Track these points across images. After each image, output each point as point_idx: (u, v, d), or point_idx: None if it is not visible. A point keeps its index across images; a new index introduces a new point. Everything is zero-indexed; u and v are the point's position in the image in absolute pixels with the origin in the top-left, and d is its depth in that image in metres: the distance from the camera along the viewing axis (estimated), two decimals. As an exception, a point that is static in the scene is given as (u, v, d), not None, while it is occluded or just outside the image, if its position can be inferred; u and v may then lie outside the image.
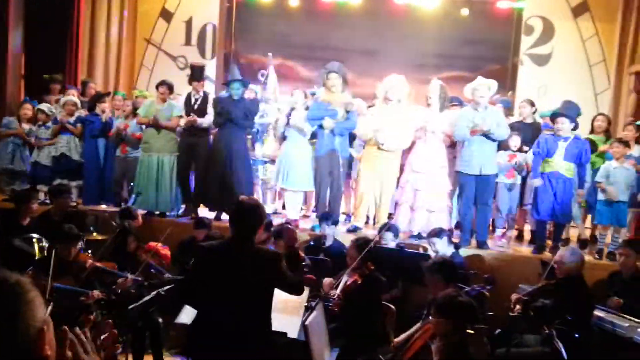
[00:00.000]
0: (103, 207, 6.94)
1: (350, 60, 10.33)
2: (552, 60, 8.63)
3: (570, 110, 5.89)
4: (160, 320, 4.54)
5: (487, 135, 5.84)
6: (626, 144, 5.96)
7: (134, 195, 6.35)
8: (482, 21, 10.34)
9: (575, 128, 5.92)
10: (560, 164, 5.77)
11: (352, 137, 6.85)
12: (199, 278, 3.19)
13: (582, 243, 6.26)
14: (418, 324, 3.89)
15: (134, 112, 7.07)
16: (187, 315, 3.63)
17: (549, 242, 6.04)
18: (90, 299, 3.73)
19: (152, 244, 5.14)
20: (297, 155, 6.57)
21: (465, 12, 10.40)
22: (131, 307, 3.71)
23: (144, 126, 6.81)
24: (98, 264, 4.34)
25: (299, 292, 3.33)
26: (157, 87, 6.81)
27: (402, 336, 3.94)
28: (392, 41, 10.73)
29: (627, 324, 4.26)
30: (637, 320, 4.32)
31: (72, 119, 7.15)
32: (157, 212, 6.71)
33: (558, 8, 8.58)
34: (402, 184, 6.20)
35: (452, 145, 6.42)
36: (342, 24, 10.83)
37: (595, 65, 8.51)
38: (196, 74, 6.91)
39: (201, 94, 6.85)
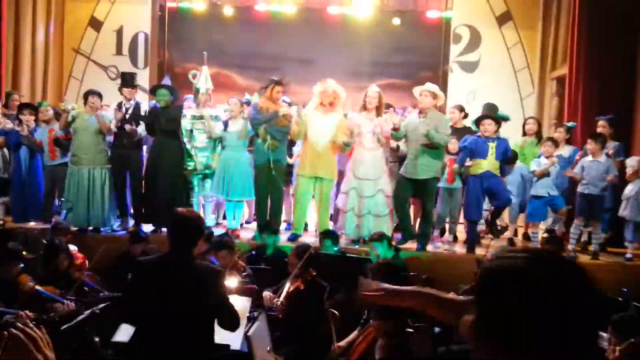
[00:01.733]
0: (32, 224, 6.61)
1: (285, 69, 10.39)
2: (480, 67, 8.99)
3: (493, 112, 6.20)
4: (96, 339, 4.35)
5: (427, 140, 6.02)
6: (555, 143, 6.29)
7: (64, 211, 6.09)
8: (413, 30, 10.68)
9: (497, 129, 6.21)
10: (492, 164, 6.04)
11: (291, 145, 6.86)
12: (137, 294, 3.09)
13: (511, 242, 6.55)
14: (358, 328, 3.93)
15: (55, 117, 6.82)
16: (124, 333, 3.51)
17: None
18: (19, 319, 3.53)
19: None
20: (236, 164, 6.50)
21: (396, 21, 10.71)
22: (64, 328, 3.54)
23: (71, 131, 6.57)
24: (38, 287, 4.10)
25: (232, 328, 3.14)
26: (85, 97, 6.55)
27: (345, 340, 3.97)
28: (327, 50, 10.88)
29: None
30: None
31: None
32: (90, 228, 6.46)
33: (483, 17, 8.96)
34: (346, 191, 6.23)
35: (395, 150, 6.56)
36: (278, 33, 10.88)
37: (520, 71, 8.94)
38: (127, 80, 6.71)
39: (132, 102, 6.66)
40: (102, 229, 6.51)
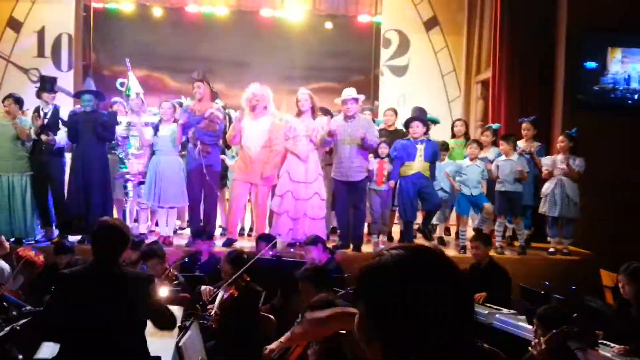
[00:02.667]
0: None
1: (219, 71, 10.29)
2: (409, 71, 9.23)
3: (422, 114, 6.40)
4: (20, 357, 4.13)
5: (358, 143, 6.11)
6: (480, 144, 6.60)
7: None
8: (345, 34, 10.84)
9: (426, 132, 6.43)
10: (421, 165, 6.24)
11: (226, 146, 6.79)
12: (61, 309, 2.96)
13: (440, 241, 6.78)
14: (288, 333, 3.93)
15: None
16: (48, 349, 3.35)
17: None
18: None
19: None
20: (168, 170, 6.35)
21: (329, 25, 10.83)
22: (-19, 347, 3.34)
23: None
24: None
25: (170, 327, 3.11)
26: (2, 102, 6.22)
27: (274, 344, 3.98)
28: (260, 53, 10.84)
29: (486, 312, 4.66)
30: (495, 307, 4.75)
31: None
32: (12, 239, 6.12)
33: (411, 22, 9.21)
34: (281, 193, 6.22)
35: (330, 152, 6.62)
36: (210, 35, 10.74)
37: (446, 75, 9.25)
38: (45, 85, 6.41)
39: (51, 107, 6.38)
40: (24, 240, 6.17)
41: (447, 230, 7.48)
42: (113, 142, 6.49)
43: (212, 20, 10.57)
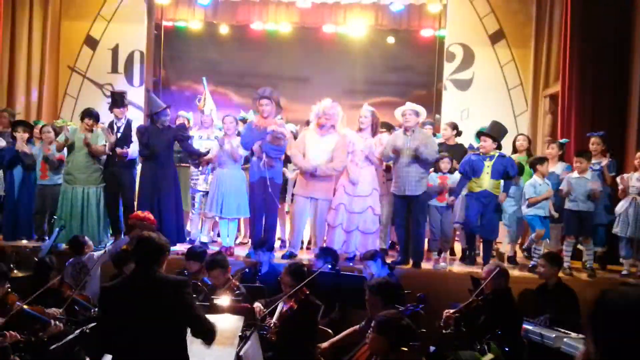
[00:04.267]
0: (24, 242, 6.56)
1: (281, 87, 10.44)
2: (473, 85, 9.05)
3: (493, 130, 6.23)
4: (87, 359, 4.30)
5: (416, 157, 6.02)
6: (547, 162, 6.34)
7: (56, 229, 6.04)
8: (407, 49, 10.80)
9: (498, 147, 6.24)
10: (488, 182, 6.06)
11: (286, 160, 6.87)
12: (107, 321, 3.10)
13: (510, 259, 6.53)
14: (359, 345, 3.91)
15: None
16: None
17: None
18: (7, 341, 3.48)
19: (136, 213, 5.65)
20: (231, 182, 6.49)
21: (391, 40, 10.83)
22: (53, 348, 3.50)
23: (65, 151, 6.58)
24: (25, 307, 4.06)
25: (208, 340, 3.05)
26: (81, 118, 6.55)
27: (330, 341, 4.01)
28: (322, 68, 10.97)
29: (554, 335, 4.45)
30: (563, 330, 4.53)
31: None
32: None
33: (476, 36, 9.05)
34: (335, 206, 6.23)
35: (388, 169, 6.57)
36: (273, 51, 10.97)
37: (513, 89, 9.00)
38: (117, 101, 6.74)
39: (123, 121, 6.68)
40: (95, 248, 6.45)
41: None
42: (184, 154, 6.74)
43: (276, 37, 10.81)
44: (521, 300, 5.13)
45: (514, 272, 5.86)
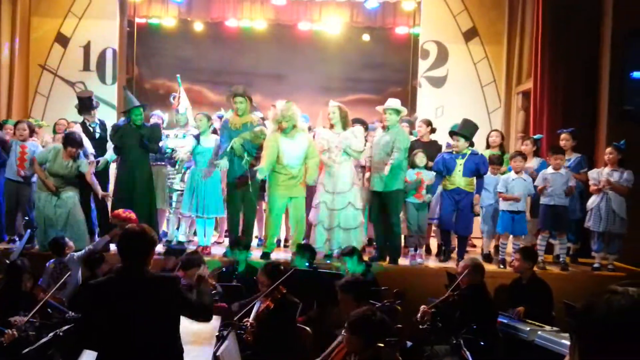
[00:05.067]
0: (-6, 243, 6.41)
1: (258, 84, 10.43)
2: (448, 82, 9.13)
3: (465, 129, 6.29)
4: (62, 363, 4.23)
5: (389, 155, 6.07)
6: (524, 157, 6.42)
7: (28, 231, 5.92)
8: (382, 46, 10.86)
9: (471, 145, 6.33)
10: (460, 180, 6.15)
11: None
12: (92, 318, 3.03)
13: (486, 256, 6.61)
14: (334, 343, 3.91)
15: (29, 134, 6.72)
16: (89, 356, 3.41)
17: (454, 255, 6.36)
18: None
19: (118, 212, 5.56)
20: (207, 181, 6.43)
21: (366, 37, 10.88)
22: (26, 352, 3.43)
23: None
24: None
25: (206, 318, 3.14)
26: (64, 145, 6.15)
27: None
28: (298, 65, 10.96)
29: (528, 328, 4.53)
30: (537, 323, 4.61)
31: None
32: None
33: (450, 33, 9.13)
34: (316, 205, 6.23)
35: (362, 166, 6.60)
36: (249, 48, 10.93)
37: (486, 86, 9.11)
38: (85, 105, 6.63)
39: (97, 121, 6.59)
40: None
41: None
42: (158, 154, 6.66)
43: (251, 34, 10.76)
44: (496, 295, 5.21)
45: (489, 267, 5.93)
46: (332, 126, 6.29)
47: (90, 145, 6.49)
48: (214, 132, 6.78)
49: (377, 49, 10.95)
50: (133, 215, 5.57)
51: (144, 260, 2.99)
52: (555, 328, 4.57)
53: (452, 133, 6.36)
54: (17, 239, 6.28)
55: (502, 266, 6.24)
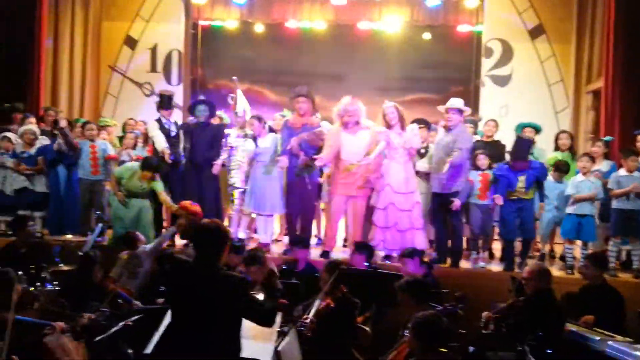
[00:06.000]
0: (69, 236, 6.75)
1: (316, 85, 10.46)
2: (512, 81, 8.88)
3: (519, 152, 6.03)
4: (129, 351, 4.39)
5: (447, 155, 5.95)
6: (592, 158, 6.16)
7: (99, 225, 6.19)
8: (443, 45, 10.67)
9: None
10: (522, 193, 6.00)
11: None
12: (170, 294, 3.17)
13: (541, 257, 6.39)
14: (397, 343, 3.88)
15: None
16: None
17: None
18: (55, 332, 3.58)
19: (184, 203, 5.69)
20: (267, 179, 6.52)
21: (427, 36, 10.72)
22: (97, 340, 3.58)
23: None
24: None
25: (269, 324, 3.18)
26: (141, 168, 6.36)
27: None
28: (357, 65, 10.94)
29: (598, 338, 4.33)
30: (607, 333, 4.40)
31: (32, 150, 6.98)
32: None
33: (515, 31, 8.87)
34: (384, 206, 6.11)
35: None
36: (308, 49, 11.00)
37: (553, 85, 8.80)
38: (165, 102, 6.86)
39: (172, 121, 6.84)
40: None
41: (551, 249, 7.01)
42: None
43: (311, 34, 10.83)
44: (564, 302, 5.01)
45: (556, 273, 5.72)
46: (389, 127, 6.18)
47: (164, 140, 6.66)
48: (271, 130, 6.86)
49: (437, 48, 10.77)
50: (199, 208, 5.70)
51: (217, 255, 3.06)
52: (628, 339, 4.34)
53: (510, 161, 6.12)
54: (90, 232, 6.58)
55: (569, 272, 5.99)
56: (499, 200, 5.96)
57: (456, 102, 6.08)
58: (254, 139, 6.65)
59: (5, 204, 6.87)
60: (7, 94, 8.13)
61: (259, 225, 6.73)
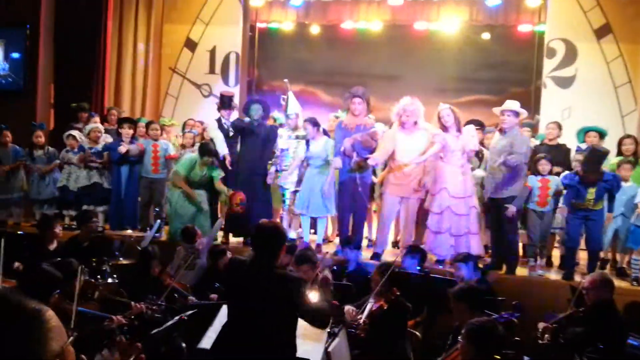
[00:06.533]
0: (129, 232, 7.01)
1: (371, 86, 10.38)
2: (576, 83, 8.54)
3: (592, 164, 5.76)
4: (183, 345, 4.51)
5: (504, 161, 5.76)
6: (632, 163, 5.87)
7: (158, 221, 6.40)
8: (503, 45, 10.38)
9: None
10: (591, 205, 5.74)
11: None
12: (229, 289, 3.23)
13: (603, 264, 6.11)
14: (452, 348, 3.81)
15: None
16: (209, 340, 3.60)
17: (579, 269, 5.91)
18: (114, 324, 3.72)
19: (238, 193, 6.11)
20: (318, 182, 6.52)
21: (486, 36, 10.46)
22: (154, 333, 3.70)
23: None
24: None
25: (323, 325, 3.22)
26: (200, 154, 6.56)
27: None
28: (413, 66, 10.80)
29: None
30: (672, 348, 4.16)
31: (98, 147, 7.29)
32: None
33: (580, 30, 8.53)
34: (439, 210, 5.99)
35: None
36: (363, 50, 10.95)
37: (620, 87, 8.40)
38: (226, 102, 7.02)
39: (229, 122, 6.97)
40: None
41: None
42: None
43: (367, 35, 10.78)
44: (627, 314, 4.77)
45: (620, 284, 5.45)
46: (444, 129, 6.07)
47: (224, 142, 6.79)
48: (324, 132, 6.86)
49: (497, 48, 10.50)
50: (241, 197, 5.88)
51: (274, 255, 3.12)
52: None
53: (580, 171, 5.87)
54: (148, 228, 6.81)
55: (635, 284, 5.70)
56: (563, 211, 5.76)
57: (512, 105, 5.90)
58: (307, 141, 6.68)
59: (69, 199, 7.20)
60: (73, 94, 8.53)
61: (304, 225, 6.73)
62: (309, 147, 6.63)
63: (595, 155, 5.84)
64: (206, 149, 6.52)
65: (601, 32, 8.46)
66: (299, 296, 3.07)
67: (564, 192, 6.00)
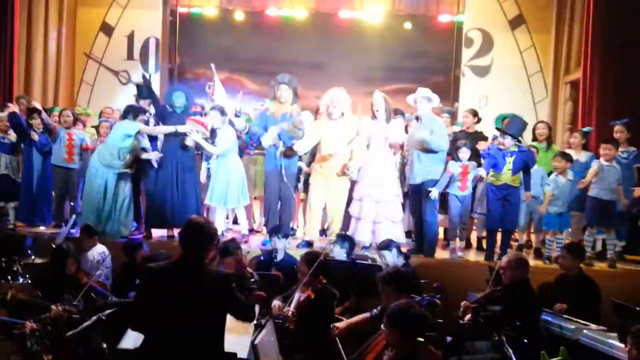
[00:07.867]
0: (42, 228, 6.60)
1: (296, 74, 10.25)
2: (492, 71, 8.91)
3: (512, 128, 6.04)
4: (104, 346, 4.32)
5: (425, 147, 5.93)
6: (567, 157, 6.14)
7: (73, 216, 6.07)
8: (424, 34, 10.65)
9: (518, 142, 6.11)
10: (508, 177, 5.96)
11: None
12: (146, 301, 3.05)
13: (519, 248, 6.44)
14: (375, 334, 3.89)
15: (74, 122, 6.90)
16: (131, 339, 3.47)
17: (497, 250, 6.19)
18: (25, 329, 3.50)
19: None
20: (231, 171, 6.33)
21: (408, 25, 10.68)
22: (70, 334, 3.52)
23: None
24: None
25: (249, 319, 3.20)
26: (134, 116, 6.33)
27: (346, 322, 4.10)
28: (338, 54, 10.87)
29: (573, 326, 4.38)
30: (582, 322, 4.45)
31: (11, 137, 6.81)
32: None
33: (496, 21, 8.88)
34: (360, 197, 6.12)
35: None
36: (288, 37, 10.89)
37: (533, 76, 8.84)
38: (144, 92, 6.72)
39: (152, 113, 6.70)
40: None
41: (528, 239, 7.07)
42: None
43: (291, 23, 10.72)
44: (540, 292, 5.05)
45: (534, 263, 5.76)
46: (374, 117, 6.17)
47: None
48: (230, 122, 6.60)
49: (419, 38, 10.76)
50: None
51: (203, 252, 3.02)
52: (602, 327, 4.40)
53: (499, 130, 6.14)
54: (63, 224, 6.45)
55: (547, 262, 6.05)
56: (483, 173, 5.96)
57: (423, 92, 6.07)
58: (213, 130, 6.37)
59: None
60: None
61: (239, 216, 6.62)
62: (215, 136, 6.37)
63: (515, 122, 6.10)
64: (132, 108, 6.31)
65: (515, 23, 8.86)
66: (229, 292, 3.01)
67: (483, 162, 6.18)
